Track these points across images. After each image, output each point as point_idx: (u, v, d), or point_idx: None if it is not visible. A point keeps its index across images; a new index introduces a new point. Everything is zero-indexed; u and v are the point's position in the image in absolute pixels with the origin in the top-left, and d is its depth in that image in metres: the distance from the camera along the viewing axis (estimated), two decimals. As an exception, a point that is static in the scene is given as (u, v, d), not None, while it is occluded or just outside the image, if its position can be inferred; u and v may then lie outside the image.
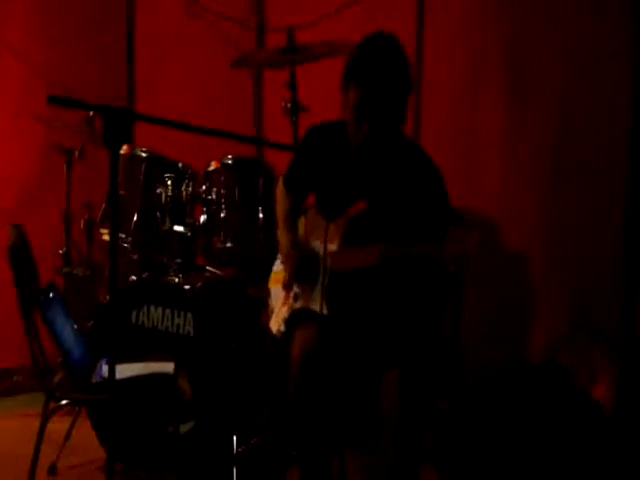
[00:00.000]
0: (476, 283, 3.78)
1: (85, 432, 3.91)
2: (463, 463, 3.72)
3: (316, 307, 3.32)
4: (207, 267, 4.24)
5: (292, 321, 3.41)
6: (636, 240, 4.08)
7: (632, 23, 4.10)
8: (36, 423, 3.63)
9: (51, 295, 3.66)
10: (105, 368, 3.47)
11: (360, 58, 3.22)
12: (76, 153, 4.85)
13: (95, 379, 3.55)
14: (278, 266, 3.60)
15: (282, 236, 3.56)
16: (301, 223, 3.57)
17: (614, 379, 3.87)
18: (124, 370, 3.64)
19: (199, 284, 4.00)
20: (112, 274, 3.24)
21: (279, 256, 3.60)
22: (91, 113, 4.65)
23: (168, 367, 3.60)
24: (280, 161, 4.16)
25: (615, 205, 4.13)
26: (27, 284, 3.60)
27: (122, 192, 4.23)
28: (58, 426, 3.97)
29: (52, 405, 3.52)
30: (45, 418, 3.53)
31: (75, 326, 3.70)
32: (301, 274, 3.41)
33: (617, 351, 3.99)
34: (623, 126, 4.12)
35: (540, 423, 3.71)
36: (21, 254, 3.64)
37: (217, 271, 4.21)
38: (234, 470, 3.70)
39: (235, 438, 3.73)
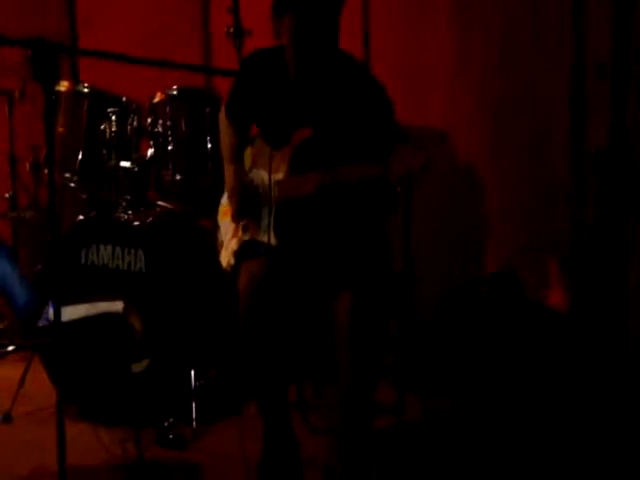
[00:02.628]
0: (427, 202, 3.74)
1: (40, 378, 3.83)
2: (423, 379, 3.70)
3: (264, 238, 3.25)
4: (158, 202, 4.14)
5: (240, 253, 3.33)
6: (580, 153, 4.02)
7: None
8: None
9: None
10: (51, 311, 3.38)
11: None
12: (16, 94, 4.70)
13: (42, 323, 3.45)
14: (226, 198, 3.52)
15: (226, 169, 3.48)
16: (247, 153, 3.48)
17: (566, 286, 3.84)
18: (73, 312, 3.53)
19: (149, 219, 3.91)
20: (52, 215, 3.15)
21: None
22: (29, 52, 4.51)
23: (117, 306, 3.50)
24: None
25: (561, 120, 4.06)
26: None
27: (65, 130, 4.15)
28: (11, 373, 3.94)
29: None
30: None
31: (20, 271, 3.60)
32: (245, 208, 3.34)
33: (568, 260, 3.98)
34: (568, 42, 4.04)
35: (493, 331, 3.71)
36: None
37: (168, 205, 4.11)
38: (193, 405, 3.66)
39: (193, 373, 3.68)
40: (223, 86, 4.34)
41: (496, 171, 4.36)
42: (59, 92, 4.20)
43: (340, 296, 3.08)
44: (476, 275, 4.31)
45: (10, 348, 3.41)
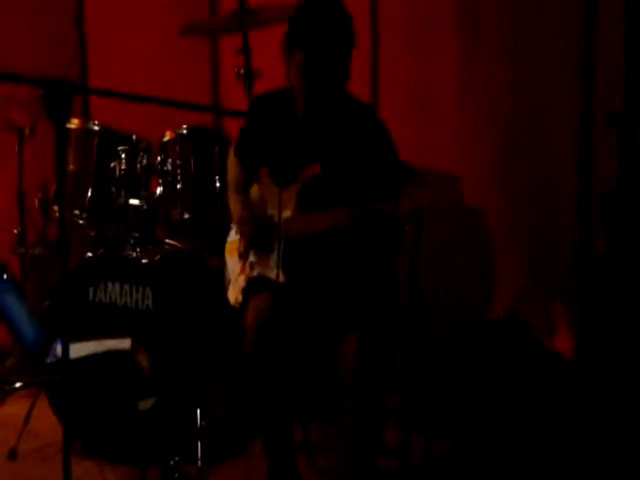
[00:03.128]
0: (433, 239, 3.77)
1: (46, 415, 3.82)
2: (427, 421, 3.71)
3: (272, 275, 3.27)
4: (166, 240, 4.15)
5: (248, 290, 3.36)
6: (587, 191, 4.05)
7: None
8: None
9: (4, 277, 3.58)
10: (59, 348, 3.38)
11: (302, 20, 3.22)
12: (27, 130, 4.73)
13: (50, 360, 3.46)
14: (232, 236, 3.56)
15: (233, 201, 3.54)
16: (254, 191, 3.51)
17: (573, 330, 3.88)
18: (80, 349, 3.54)
19: (157, 257, 3.92)
20: (62, 252, 3.18)
21: (233, 226, 3.56)
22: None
23: (124, 343, 3.51)
24: (238, 129, 4.13)
25: (569, 158, 4.10)
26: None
27: (75, 167, 4.19)
28: (17, 410, 3.93)
29: (7, 388, 3.44)
30: (-1, 402, 3.45)
31: (28, 308, 3.61)
32: (256, 237, 3.36)
33: (575, 303, 3.99)
34: (576, 76, 4.10)
35: (499, 375, 3.73)
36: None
37: (176, 243, 4.13)
38: (198, 444, 3.64)
39: (198, 412, 3.67)
40: (232, 127, 4.39)
41: (503, 207, 4.38)
42: (70, 129, 4.23)
43: (347, 337, 3.10)
44: (483, 311, 4.34)
45: (18, 385, 3.40)
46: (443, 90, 4.49)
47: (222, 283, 3.72)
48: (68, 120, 3.95)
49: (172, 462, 3.58)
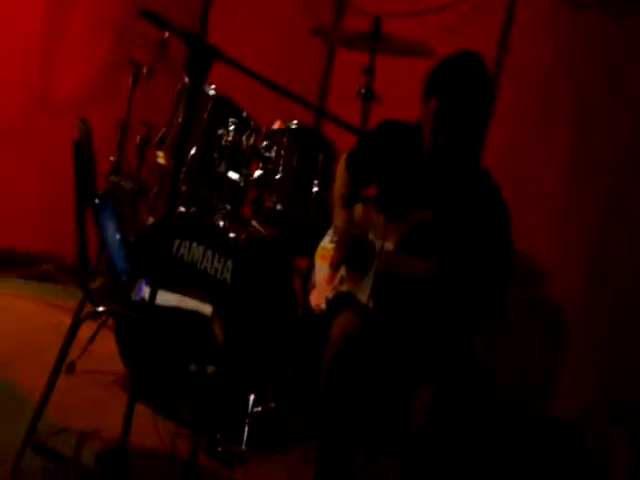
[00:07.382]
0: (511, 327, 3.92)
1: (107, 342, 3.99)
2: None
3: (362, 298, 3.37)
4: (252, 221, 4.28)
5: (336, 303, 3.47)
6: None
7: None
8: (62, 316, 3.77)
9: (107, 200, 3.68)
10: (146, 289, 3.46)
11: (447, 71, 3.29)
12: (145, 69, 4.89)
13: (135, 297, 3.52)
14: (326, 243, 3.65)
15: (338, 217, 3.61)
16: (357, 210, 3.60)
17: (629, 461, 3.92)
18: (165, 298, 3.66)
19: (244, 235, 4.05)
20: (171, 199, 3.37)
21: (330, 233, 3.66)
22: (166, 35, 4.74)
23: (206, 308, 3.59)
24: (337, 141, 4.28)
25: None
26: (86, 182, 3.62)
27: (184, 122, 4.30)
28: (85, 329, 3.93)
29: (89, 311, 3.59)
30: (79, 319, 3.58)
31: (124, 238, 3.72)
32: (353, 260, 3.45)
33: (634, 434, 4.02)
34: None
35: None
36: (85, 150, 3.64)
37: (261, 228, 4.26)
38: (246, 428, 3.78)
39: (252, 397, 3.83)
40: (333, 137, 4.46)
41: (584, 317, 4.39)
42: (185, 84, 4.38)
43: (422, 389, 3.20)
44: (543, 405, 4.39)
45: (101, 308, 3.54)
46: (548, 187, 4.58)
47: (293, 280, 3.91)
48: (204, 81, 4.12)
49: (218, 435, 3.71)
